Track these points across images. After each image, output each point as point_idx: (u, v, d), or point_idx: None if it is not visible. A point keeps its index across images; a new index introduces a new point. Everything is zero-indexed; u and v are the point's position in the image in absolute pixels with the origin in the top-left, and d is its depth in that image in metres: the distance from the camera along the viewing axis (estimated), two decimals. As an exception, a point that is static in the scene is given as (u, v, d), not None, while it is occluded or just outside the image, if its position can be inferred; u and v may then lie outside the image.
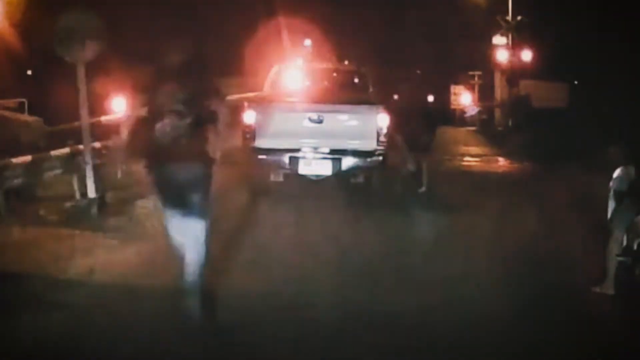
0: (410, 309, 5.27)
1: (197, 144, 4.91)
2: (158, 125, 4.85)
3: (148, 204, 9.03)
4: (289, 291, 5.66)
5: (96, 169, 8.89)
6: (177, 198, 4.90)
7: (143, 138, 4.95)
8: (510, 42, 27.64)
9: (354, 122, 9.47)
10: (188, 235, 4.90)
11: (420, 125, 10.63)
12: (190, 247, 4.90)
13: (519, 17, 27.16)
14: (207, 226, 4.93)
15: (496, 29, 27.61)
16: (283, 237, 7.53)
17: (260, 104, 9.75)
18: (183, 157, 4.87)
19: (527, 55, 27.18)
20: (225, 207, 8.83)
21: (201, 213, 4.89)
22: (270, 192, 9.80)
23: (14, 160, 8.43)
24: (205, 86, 5.06)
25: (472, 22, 27.41)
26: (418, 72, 15.65)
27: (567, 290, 5.83)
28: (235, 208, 8.93)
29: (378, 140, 9.21)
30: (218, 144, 4.98)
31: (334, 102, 9.51)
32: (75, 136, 9.10)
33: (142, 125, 4.96)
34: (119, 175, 10.70)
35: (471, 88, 36.32)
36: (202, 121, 4.90)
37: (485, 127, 29.37)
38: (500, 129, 27.58)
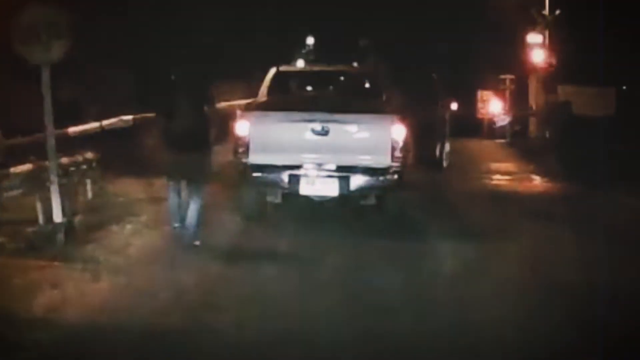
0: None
1: (201, 134, 8.50)
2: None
3: (124, 229, 9.15)
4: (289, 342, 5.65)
5: (63, 189, 8.92)
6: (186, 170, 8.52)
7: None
8: (547, 41, 27.71)
9: (365, 134, 9.50)
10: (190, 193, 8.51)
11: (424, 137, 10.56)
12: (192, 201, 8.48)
13: (557, 11, 27.24)
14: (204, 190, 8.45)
15: (530, 25, 27.68)
16: (280, 271, 7.55)
17: (255, 112, 9.79)
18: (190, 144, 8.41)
19: (566, 55, 27.23)
20: (214, 233, 8.91)
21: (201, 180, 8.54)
22: (266, 217, 9.82)
23: (-34, 179, 8.44)
24: (204, 93, 8.49)
25: (502, 17, 27.47)
26: (434, 75, 15.60)
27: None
28: (225, 234, 8.98)
29: (393, 156, 9.23)
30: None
31: (341, 111, 9.49)
32: (38, 150, 9.11)
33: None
34: (90, 195, 10.74)
35: (501, 94, 36.35)
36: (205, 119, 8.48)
37: (517, 139, 29.24)
38: (535, 141, 27.52)
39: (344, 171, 9.27)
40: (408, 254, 8.37)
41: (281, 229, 9.33)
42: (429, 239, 9.11)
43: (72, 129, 12.64)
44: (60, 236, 8.44)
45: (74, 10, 8.70)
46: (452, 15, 30.91)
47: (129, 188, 11.59)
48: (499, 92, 36.69)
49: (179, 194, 8.71)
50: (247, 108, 10.21)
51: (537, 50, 27.84)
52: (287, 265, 7.81)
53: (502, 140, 30.51)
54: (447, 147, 16.14)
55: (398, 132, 9.29)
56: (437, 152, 15.19)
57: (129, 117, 14.81)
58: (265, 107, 10.19)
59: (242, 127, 9.40)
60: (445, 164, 16.07)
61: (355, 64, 13.88)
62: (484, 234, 9.42)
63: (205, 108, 8.61)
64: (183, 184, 8.66)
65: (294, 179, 9.29)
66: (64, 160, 9.93)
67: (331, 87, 11.83)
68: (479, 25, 29.81)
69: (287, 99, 10.59)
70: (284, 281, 7.22)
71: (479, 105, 37.00)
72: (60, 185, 8.78)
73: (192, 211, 8.50)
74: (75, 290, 6.79)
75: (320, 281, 7.27)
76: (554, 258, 8.23)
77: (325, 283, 7.20)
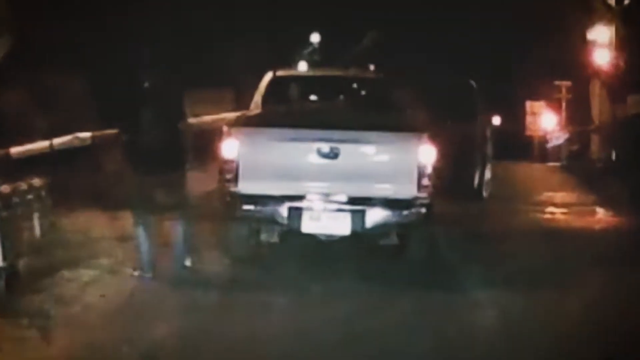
0: None
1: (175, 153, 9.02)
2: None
3: (80, 275, 9.18)
4: None
5: (4, 224, 8.96)
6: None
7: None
8: (614, 38, 27.74)
9: (384, 157, 9.57)
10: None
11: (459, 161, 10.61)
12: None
13: (626, 0, 27.30)
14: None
15: (593, 18, 27.74)
16: (273, 330, 7.52)
17: (246, 128, 9.81)
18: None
19: (639, 56, 27.24)
20: (194, 280, 8.96)
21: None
22: (260, 261, 9.86)
23: None
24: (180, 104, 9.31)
25: (555, 9, 27.52)
26: (472, 82, 15.62)
27: None
28: (208, 283, 9.00)
29: (420, 184, 9.26)
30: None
31: (354, 127, 9.52)
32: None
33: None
34: (38, 232, 10.80)
35: (556, 105, 36.43)
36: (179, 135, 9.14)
37: (576, 162, 29.20)
38: (599, 165, 27.47)
39: (358, 203, 9.30)
40: (438, 310, 8.33)
41: (277, 277, 9.29)
42: (465, 290, 9.08)
43: (15, 149, 12.70)
44: (1, 284, 8.43)
45: (18, 7, 8.82)
46: (490, 7, 30.97)
47: (87, 223, 11.63)
48: (552, 102, 36.77)
49: (149, 232, 8.87)
50: (237, 123, 10.24)
51: (601, 49, 27.75)
52: (282, 323, 7.76)
53: (557, 164, 30.49)
54: (489, 172, 16.17)
55: (426, 154, 9.33)
56: (476, 179, 15.23)
57: (87, 134, 14.86)
58: (258, 121, 10.24)
59: (230, 147, 9.42)
60: (485, 193, 16.09)
61: (372, 67, 14.00)
62: (535, 285, 9.33)
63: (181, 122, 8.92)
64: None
65: (295, 214, 9.32)
66: (5, 188, 9.98)
67: (342, 97, 11.90)
68: (525, 20, 29.83)
69: (286, 111, 10.59)
70: (277, 344, 7.16)
71: (528, 119, 37.12)
72: (2, 220, 8.86)
73: (178, 232, 8.90)
74: (18, 352, 6.79)
75: (327, 344, 7.22)
76: (625, 318, 8.10)
77: (333, 347, 7.16)
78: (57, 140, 14.26)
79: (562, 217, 15.81)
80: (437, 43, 33.02)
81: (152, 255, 9.03)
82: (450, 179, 11.01)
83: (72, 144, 14.61)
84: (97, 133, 14.75)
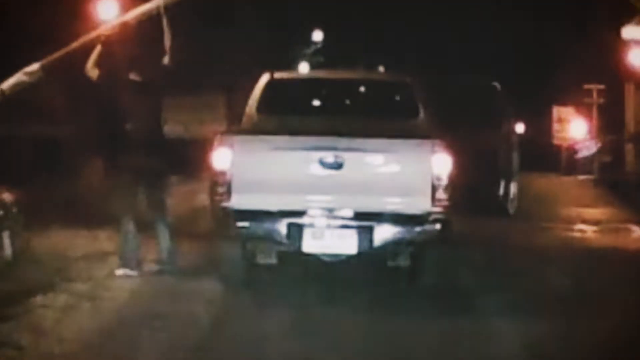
0: None
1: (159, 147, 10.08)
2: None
3: (56, 301, 9.12)
4: None
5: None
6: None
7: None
8: (651, 36, 27.73)
9: (394, 168, 9.50)
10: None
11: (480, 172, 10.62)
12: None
13: (665, -5, 27.29)
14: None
15: (628, 14, 27.68)
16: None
17: (240, 136, 9.79)
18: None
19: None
20: (185, 306, 8.90)
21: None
22: (256, 284, 9.77)
23: None
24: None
25: (584, 5, 27.50)
26: (495, 84, 15.57)
27: None
28: (199, 310, 8.89)
29: (434, 198, 9.19)
30: None
31: (361, 134, 9.50)
32: None
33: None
34: (9, 253, 10.67)
35: (587, 111, 36.43)
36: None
37: (608, 175, 29.28)
38: (633, 178, 27.46)
39: (365, 219, 9.25)
40: (455, 339, 8.21)
41: (275, 303, 9.22)
42: (486, 318, 8.99)
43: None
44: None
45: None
46: (514, 2, 31.03)
47: (64, 242, 11.65)
48: (582, 108, 36.79)
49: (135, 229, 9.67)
50: (230, 130, 10.48)
51: (637, 49, 27.73)
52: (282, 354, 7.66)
53: (587, 177, 30.53)
54: (515, 185, 16.04)
55: (442, 163, 9.25)
56: (501, 192, 15.12)
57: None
58: (254, 129, 10.28)
59: (222, 156, 9.36)
60: (511, 209, 15.96)
61: (381, 69, 13.91)
62: (566, 311, 9.26)
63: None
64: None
65: (295, 231, 9.26)
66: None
67: (347, 102, 11.94)
68: (552, 16, 29.85)
69: (285, 118, 10.59)
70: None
71: (555, 127, 37.15)
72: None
73: (164, 239, 9.96)
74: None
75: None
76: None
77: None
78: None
79: (594, 235, 15.89)
80: (457, 42, 33.09)
81: (137, 253, 9.66)
82: (470, 193, 10.89)
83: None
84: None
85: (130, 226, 10.01)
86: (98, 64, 9.93)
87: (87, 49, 9.70)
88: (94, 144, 9.91)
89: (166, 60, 10.12)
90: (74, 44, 9.40)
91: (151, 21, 9.90)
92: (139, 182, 9.98)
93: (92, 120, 10.10)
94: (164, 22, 9.94)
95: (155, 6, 9.89)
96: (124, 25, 9.80)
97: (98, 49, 9.83)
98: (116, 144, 10.12)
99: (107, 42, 9.73)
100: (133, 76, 10.07)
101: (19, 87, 8.92)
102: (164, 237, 10.14)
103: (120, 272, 9.88)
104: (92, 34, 9.67)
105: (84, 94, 10.79)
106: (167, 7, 9.86)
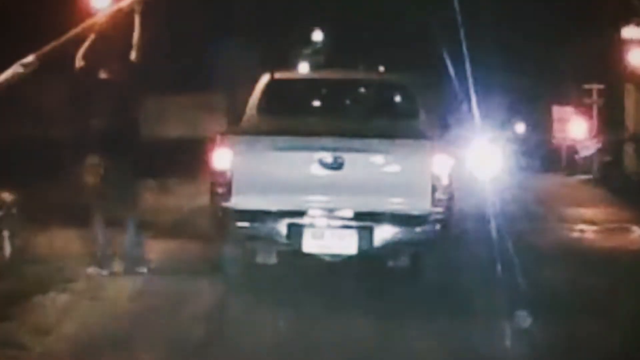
0: None
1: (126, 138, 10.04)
2: None
3: (56, 301, 9.15)
4: None
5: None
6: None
7: None
8: (652, 36, 27.74)
9: (394, 168, 9.54)
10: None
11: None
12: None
13: (665, -6, 27.31)
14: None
15: (628, 14, 27.72)
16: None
17: (240, 137, 9.85)
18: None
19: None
20: (183, 307, 8.91)
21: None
22: (256, 284, 9.80)
23: None
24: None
25: (584, 4, 27.51)
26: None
27: None
28: (198, 311, 8.92)
29: (434, 198, 9.24)
30: None
31: (361, 135, 9.55)
32: None
33: None
34: (8, 253, 10.73)
35: (586, 111, 36.43)
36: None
37: (608, 174, 29.27)
38: (634, 178, 27.49)
39: (366, 220, 9.29)
40: (456, 339, 8.25)
41: (275, 303, 9.21)
42: (486, 318, 8.90)
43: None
44: (-35, 311, 8.42)
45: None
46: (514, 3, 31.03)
47: (64, 242, 11.65)
48: (582, 108, 36.77)
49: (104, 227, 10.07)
50: (230, 130, 10.39)
51: (637, 48, 27.77)
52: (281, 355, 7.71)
53: (587, 177, 30.52)
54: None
55: (441, 164, 9.30)
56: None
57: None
58: (254, 129, 10.28)
59: (222, 157, 9.40)
60: None
61: (381, 69, 13.96)
62: (566, 311, 9.31)
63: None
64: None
65: (295, 231, 9.31)
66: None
67: (347, 102, 11.94)
68: (551, 14, 29.86)
69: (285, 118, 10.64)
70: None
71: (555, 127, 37.09)
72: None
73: (129, 234, 10.12)
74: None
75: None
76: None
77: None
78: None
79: (593, 235, 15.84)
80: (456, 42, 33.11)
81: (109, 252, 9.92)
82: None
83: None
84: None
85: (100, 224, 10.21)
86: (84, 55, 9.96)
87: (81, 39, 9.66)
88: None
89: (133, 56, 10.13)
90: (69, 34, 9.34)
91: (127, 16, 9.87)
92: (105, 180, 10.05)
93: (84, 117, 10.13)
94: (136, 16, 9.97)
95: None
96: (119, 12, 9.67)
97: (91, 38, 9.83)
98: (84, 141, 10.33)
99: (101, 31, 9.69)
100: (102, 74, 10.09)
101: (16, 79, 8.92)
102: (129, 234, 10.25)
103: (90, 270, 10.06)
104: (87, 23, 9.55)
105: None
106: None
